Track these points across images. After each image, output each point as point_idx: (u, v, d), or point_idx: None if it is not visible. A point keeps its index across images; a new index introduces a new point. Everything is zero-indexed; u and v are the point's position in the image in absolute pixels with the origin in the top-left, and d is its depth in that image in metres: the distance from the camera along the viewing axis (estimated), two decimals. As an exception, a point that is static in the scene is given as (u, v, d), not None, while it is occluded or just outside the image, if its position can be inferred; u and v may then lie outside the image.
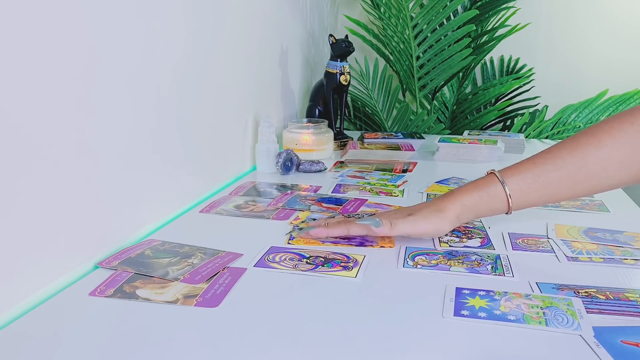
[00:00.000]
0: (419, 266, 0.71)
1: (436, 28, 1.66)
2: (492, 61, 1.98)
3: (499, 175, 0.76)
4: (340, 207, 0.93)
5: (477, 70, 1.98)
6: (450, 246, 0.78)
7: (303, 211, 0.92)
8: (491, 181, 0.76)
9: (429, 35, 1.65)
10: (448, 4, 1.61)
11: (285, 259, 0.72)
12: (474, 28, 1.62)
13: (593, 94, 1.84)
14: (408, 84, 1.78)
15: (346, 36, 1.41)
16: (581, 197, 0.79)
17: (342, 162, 1.29)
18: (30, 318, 0.58)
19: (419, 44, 1.67)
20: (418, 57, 1.71)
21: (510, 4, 1.77)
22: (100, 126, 0.72)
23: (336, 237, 0.80)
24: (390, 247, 0.77)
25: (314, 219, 0.87)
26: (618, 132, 0.72)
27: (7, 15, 0.55)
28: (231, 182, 1.13)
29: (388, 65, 1.85)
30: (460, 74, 1.88)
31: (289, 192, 1.03)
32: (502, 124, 1.91)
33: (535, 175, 0.75)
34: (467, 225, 0.86)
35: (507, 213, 0.77)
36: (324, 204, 0.95)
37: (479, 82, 1.98)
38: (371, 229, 0.76)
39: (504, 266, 0.71)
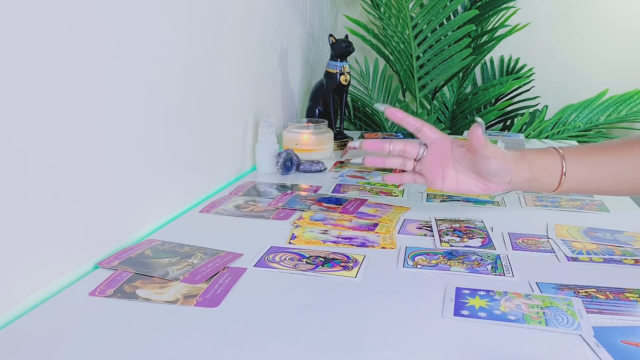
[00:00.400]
0: (419, 266, 0.71)
1: (436, 28, 1.66)
2: (492, 61, 1.98)
3: (557, 148, 0.78)
4: (340, 206, 0.93)
5: (477, 70, 1.98)
6: (451, 246, 0.78)
7: (304, 211, 0.92)
8: (550, 150, 0.78)
9: (429, 35, 1.65)
10: (448, 4, 1.61)
11: (285, 259, 0.72)
12: (474, 28, 1.62)
13: (593, 94, 1.84)
14: (408, 84, 1.78)
15: (346, 36, 1.41)
16: (626, 194, 0.83)
17: (342, 162, 1.29)
18: (30, 318, 0.58)
19: (419, 44, 1.67)
20: (418, 57, 1.71)
21: (510, 4, 1.77)
22: (100, 127, 0.72)
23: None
24: (392, 248, 0.77)
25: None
26: None
27: (14, 15, 0.55)
28: (231, 182, 1.13)
29: (388, 65, 1.85)
30: (460, 74, 1.88)
31: (289, 192, 1.03)
32: (502, 124, 1.91)
33: (583, 155, 0.77)
34: (469, 225, 0.86)
35: (556, 189, 0.77)
36: (324, 204, 0.95)
37: (479, 82, 1.98)
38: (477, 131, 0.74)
39: (504, 266, 0.71)
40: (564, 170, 0.76)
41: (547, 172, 0.77)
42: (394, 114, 0.79)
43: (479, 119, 0.74)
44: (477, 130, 0.72)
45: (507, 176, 0.76)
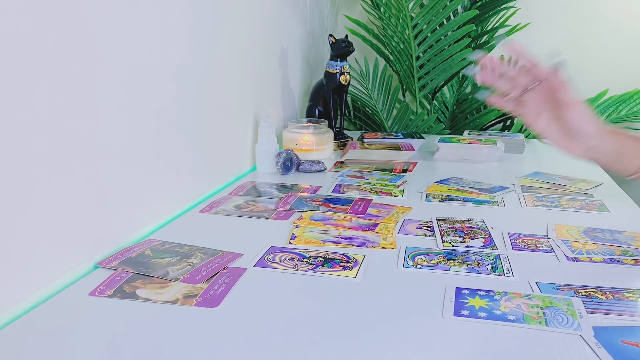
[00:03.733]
0: (419, 266, 0.71)
1: (436, 28, 1.66)
2: (492, 61, 1.98)
3: None
4: (349, 207, 0.93)
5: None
6: (453, 246, 0.78)
7: (304, 211, 0.92)
8: None
9: (429, 35, 1.65)
10: (448, 4, 1.61)
11: (285, 259, 0.72)
12: (474, 28, 1.62)
13: (593, 94, 1.84)
14: (408, 84, 1.78)
15: (346, 36, 1.41)
16: None
17: (342, 162, 1.29)
18: (31, 318, 0.58)
19: (419, 44, 1.67)
20: (418, 57, 1.71)
21: (510, 4, 1.77)
22: (101, 127, 0.72)
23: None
24: (392, 248, 0.77)
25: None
26: None
27: (9, 17, 0.55)
28: (231, 182, 1.13)
29: (388, 65, 1.85)
30: (460, 74, 1.88)
31: (291, 193, 1.03)
32: (502, 124, 1.91)
33: None
34: (470, 225, 0.86)
35: (632, 175, 0.80)
36: (331, 205, 0.95)
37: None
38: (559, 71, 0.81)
39: (504, 266, 0.71)
40: None
41: (633, 155, 0.79)
42: (513, 49, 0.85)
43: (559, 58, 0.80)
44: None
45: (589, 139, 0.79)
